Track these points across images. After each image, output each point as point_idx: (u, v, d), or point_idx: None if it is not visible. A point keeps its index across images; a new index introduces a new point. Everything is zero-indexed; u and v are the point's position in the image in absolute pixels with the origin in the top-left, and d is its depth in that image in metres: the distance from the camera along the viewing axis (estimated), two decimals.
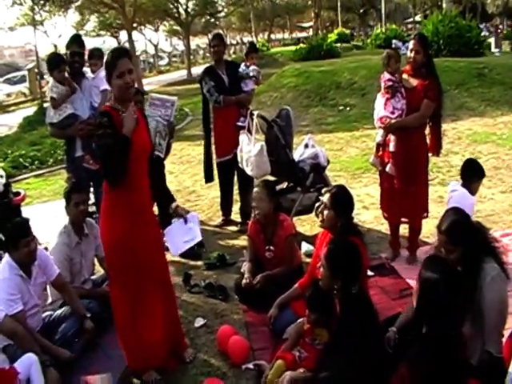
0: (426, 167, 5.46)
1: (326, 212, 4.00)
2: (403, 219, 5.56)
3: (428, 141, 5.38)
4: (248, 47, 7.10)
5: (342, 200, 4.04)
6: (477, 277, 3.28)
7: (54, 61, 5.80)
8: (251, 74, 6.58)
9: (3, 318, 3.72)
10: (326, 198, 4.05)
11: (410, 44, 5.17)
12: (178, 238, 4.07)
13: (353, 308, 3.32)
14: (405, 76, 5.27)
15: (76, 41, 5.96)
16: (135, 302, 3.85)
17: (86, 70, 6.02)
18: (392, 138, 5.27)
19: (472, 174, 5.07)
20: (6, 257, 4.17)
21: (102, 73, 5.88)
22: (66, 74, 5.74)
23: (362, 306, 3.33)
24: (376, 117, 5.41)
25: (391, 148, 5.27)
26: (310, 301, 3.66)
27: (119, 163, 3.54)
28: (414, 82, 5.20)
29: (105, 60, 3.76)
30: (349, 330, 3.22)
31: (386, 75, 5.27)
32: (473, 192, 5.02)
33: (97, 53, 6.12)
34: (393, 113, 5.20)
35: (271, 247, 4.87)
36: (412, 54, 5.14)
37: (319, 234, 4.39)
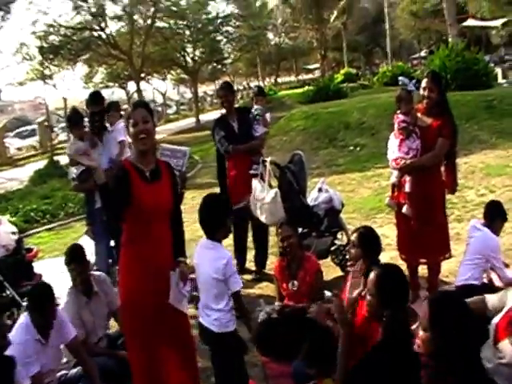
0: (444, 206, 5.40)
1: (353, 251, 3.97)
2: (422, 260, 5.45)
3: (444, 179, 5.32)
4: (255, 91, 7.13)
5: (370, 239, 4.02)
6: None
7: (73, 119, 5.89)
8: (255, 113, 6.54)
9: None
10: (353, 237, 4.07)
11: (424, 82, 5.15)
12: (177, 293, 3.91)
13: (397, 334, 3.14)
14: (419, 115, 5.24)
15: (94, 100, 6.04)
16: (152, 362, 3.74)
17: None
18: (407, 178, 5.21)
19: (496, 215, 4.99)
20: (24, 318, 4.11)
21: (120, 124, 5.97)
22: (87, 129, 5.81)
23: (405, 333, 3.18)
24: (390, 158, 5.35)
25: (407, 189, 5.21)
26: (307, 358, 3.54)
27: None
28: (428, 120, 5.16)
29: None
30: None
31: (400, 116, 5.24)
32: (496, 232, 4.93)
33: (114, 105, 6.21)
34: (407, 153, 5.15)
35: (295, 282, 4.89)
36: (426, 93, 5.11)
37: (347, 277, 4.29)
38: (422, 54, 51.21)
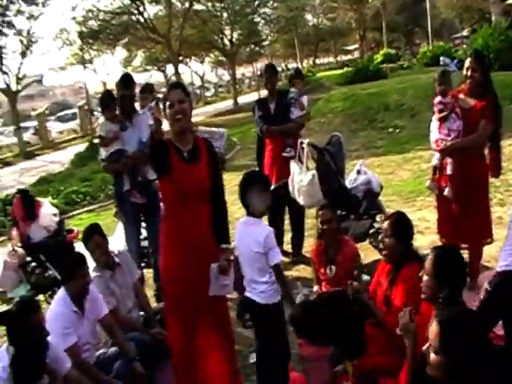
0: (487, 190, 5.26)
1: (386, 240, 3.90)
2: (463, 245, 5.34)
3: (487, 162, 5.19)
4: (292, 73, 7.08)
5: (402, 226, 3.94)
6: None
7: (105, 100, 5.93)
8: (290, 95, 6.45)
9: (69, 368, 3.70)
10: (385, 224, 3.96)
11: (467, 62, 5.03)
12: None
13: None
14: (461, 96, 5.11)
15: (124, 83, 6.06)
16: (192, 337, 3.78)
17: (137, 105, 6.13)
18: (449, 160, 5.10)
19: None
20: (61, 292, 4.20)
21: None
22: (117, 112, 5.85)
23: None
24: (432, 139, 5.25)
25: (448, 171, 5.09)
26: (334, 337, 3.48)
27: None
28: (472, 101, 5.03)
29: None
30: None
31: (437, 98, 5.13)
32: None
33: (147, 88, 6.23)
34: (448, 135, 5.03)
35: (332, 266, 4.85)
36: (469, 73, 4.98)
37: (379, 264, 4.24)
38: (464, 33, 50.04)
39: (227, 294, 4.00)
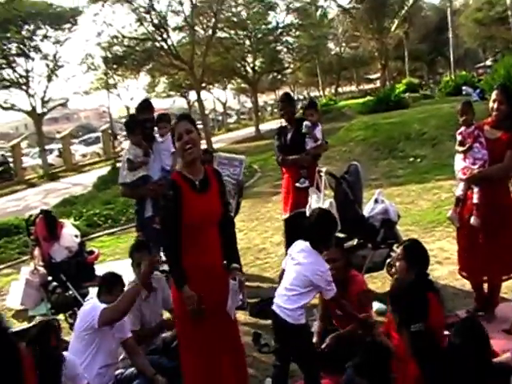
0: None
1: (398, 263, 3.96)
2: (484, 278, 5.32)
3: None
4: (305, 104, 7.11)
5: (415, 251, 4.00)
6: None
7: (131, 125, 6.07)
8: (304, 130, 6.39)
9: None
10: (399, 249, 4.08)
11: (493, 95, 5.08)
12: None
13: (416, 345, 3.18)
14: (487, 127, 5.15)
15: (145, 107, 6.21)
16: (207, 368, 3.81)
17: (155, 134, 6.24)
18: (475, 189, 5.10)
19: None
20: (95, 305, 4.33)
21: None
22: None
23: (426, 344, 3.19)
24: (457, 168, 5.28)
25: (475, 200, 5.09)
26: (359, 366, 3.54)
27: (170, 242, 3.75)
28: (498, 133, 5.06)
29: None
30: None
31: (460, 129, 5.22)
32: None
33: (164, 117, 6.35)
34: (474, 163, 5.06)
35: None
36: (495, 105, 5.03)
37: None
38: (488, 62, 50.03)
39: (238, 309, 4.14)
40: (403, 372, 3.22)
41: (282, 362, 4.21)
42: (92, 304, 4.33)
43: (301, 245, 4.18)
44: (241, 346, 4.14)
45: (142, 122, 6.04)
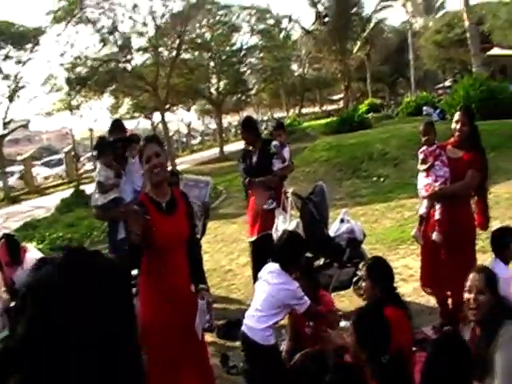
0: (474, 238, 5.34)
1: (364, 284, 4.01)
2: (447, 293, 5.40)
3: (475, 215, 5.30)
4: (273, 125, 7.16)
5: (378, 269, 4.05)
6: (494, 334, 3.24)
7: (101, 147, 6.02)
8: (272, 150, 6.48)
9: None
10: (363, 269, 4.10)
11: (456, 116, 5.23)
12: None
13: (386, 378, 3.18)
14: (449, 147, 5.29)
15: (116, 127, 6.19)
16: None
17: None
18: (437, 206, 5.22)
19: (500, 245, 4.89)
20: None
21: None
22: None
23: (396, 374, 3.21)
24: (419, 186, 5.39)
25: (437, 216, 5.21)
26: None
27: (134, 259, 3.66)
28: (460, 152, 5.21)
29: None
30: None
31: (422, 148, 5.36)
32: (507, 262, 4.87)
33: (135, 138, 6.33)
34: (436, 181, 5.18)
35: (311, 323, 4.77)
36: (458, 126, 5.16)
37: None
38: (447, 83, 51.19)
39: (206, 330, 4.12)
40: None
41: (251, 383, 4.20)
42: None
43: (270, 267, 4.22)
44: (209, 367, 4.13)
45: (112, 143, 6.01)
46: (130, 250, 3.69)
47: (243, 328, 4.11)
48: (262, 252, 6.47)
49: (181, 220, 3.88)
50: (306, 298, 4.05)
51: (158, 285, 3.74)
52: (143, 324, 3.81)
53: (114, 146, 5.99)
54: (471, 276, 3.52)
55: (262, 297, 4.08)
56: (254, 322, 4.03)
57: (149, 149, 3.76)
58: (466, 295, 3.50)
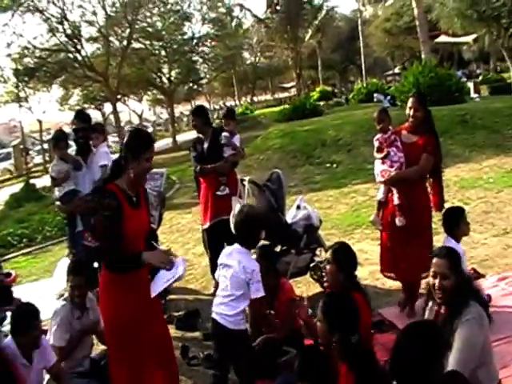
0: (430, 219, 5.46)
1: (328, 267, 4.04)
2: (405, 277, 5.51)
3: (431, 197, 5.42)
4: (224, 113, 7.16)
5: (344, 254, 4.10)
6: (458, 314, 3.34)
7: (55, 139, 5.90)
8: (222, 141, 6.49)
9: None
10: (328, 253, 4.14)
11: (409, 102, 5.31)
12: (160, 281, 3.81)
13: (355, 358, 3.24)
14: (404, 132, 5.38)
15: (79, 117, 6.09)
16: (139, 381, 3.75)
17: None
18: (394, 191, 5.31)
19: (451, 224, 5.06)
20: (8, 343, 4.06)
21: (103, 148, 5.99)
22: (72, 151, 5.82)
23: (363, 355, 3.28)
24: (376, 172, 5.46)
25: (396, 201, 5.28)
26: (301, 369, 3.44)
27: (117, 259, 3.62)
28: (414, 137, 5.30)
29: (132, 141, 3.72)
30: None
31: (377, 135, 5.43)
32: (458, 239, 5.02)
33: (98, 127, 6.22)
34: (392, 166, 5.26)
35: (271, 311, 4.77)
36: (411, 112, 5.25)
37: None
38: (396, 70, 52.00)
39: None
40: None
41: (221, 371, 4.20)
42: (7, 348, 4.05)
43: (228, 249, 4.22)
44: (174, 358, 4.12)
45: (74, 132, 5.90)
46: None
47: (214, 316, 4.10)
48: (216, 238, 6.50)
49: (145, 212, 3.87)
50: (261, 286, 4.02)
51: (121, 278, 3.67)
52: (111, 320, 3.80)
53: (77, 136, 5.88)
54: (434, 261, 3.56)
55: (225, 282, 4.07)
56: (223, 309, 4.02)
57: (153, 151, 3.80)
58: (431, 280, 3.56)
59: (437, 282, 3.50)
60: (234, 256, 4.08)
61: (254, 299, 4.00)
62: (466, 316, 3.31)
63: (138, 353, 3.73)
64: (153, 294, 3.73)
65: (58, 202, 6.02)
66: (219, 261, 4.30)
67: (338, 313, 3.33)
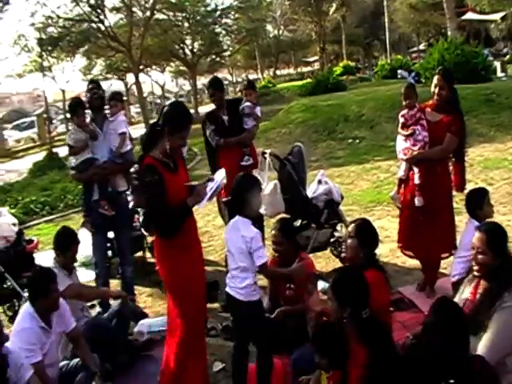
0: (451, 202, 5.40)
1: (349, 241, 4.00)
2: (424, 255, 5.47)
3: (452, 177, 5.34)
4: (244, 85, 7.08)
5: (366, 231, 4.06)
6: (498, 296, 3.29)
7: (73, 106, 5.86)
8: (246, 111, 6.39)
9: (30, 377, 3.62)
10: (350, 227, 4.10)
11: (435, 79, 5.19)
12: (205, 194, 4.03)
13: (367, 332, 3.23)
14: (429, 110, 5.28)
15: (93, 82, 6.12)
16: (194, 346, 4.08)
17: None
18: (416, 170, 5.24)
19: (474, 206, 4.94)
20: (27, 307, 4.09)
21: (121, 116, 5.98)
22: (88, 119, 5.82)
23: (375, 329, 3.27)
24: (398, 149, 5.39)
25: (416, 180, 5.22)
26: (317, 344, 3.49)
27: (175, 223, 3.85)
28: (439, 116, 5.20)
29: (173, 117, 3.90)
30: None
31: (402, 112, 5.34)
32: (481, 221, 4.91)
33: (118, 96, 6.20)
34: (414, 145, 5.20)
35: (292, 285, 4.79)
36: (436, 90, 5.14)
37: None
38: (421, 47, 51.19)
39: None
40: (353, 361, 3.26)
41: (239, 342, 4.22)
42: (26, 312, 4.10)
43: (230, 222, 4.17)
44: None
45: (89, 91, 5.90)
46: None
47: (227, 289, 4.12)
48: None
49: (183, 173, 4.08)
50: (263, 252, 4.00)
51: (184, 237, 3.94)
52: (171, 284, 4.09)
53: (91, 96, 5.86)
54: (476, 234, 3.52)
55: (232, 254, 4.06)
56: (234, 282, 4.03)
57: (189, 130, 3.99)
58: (472, 251, 3.52)
59: (474, 253, 3.47)
60: (234, 227, 4.07)
61: (261, 266, 3.96)
62: (506, 302, 3.25)
63: (201, 305, 4.17)
64: (201, 205, 3.96)
65: (72, 171, 6.02)
66: (224, 235, 4.35)
67: (348, 288, 3.31)
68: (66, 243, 4.82)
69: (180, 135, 3.87)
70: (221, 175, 4.06)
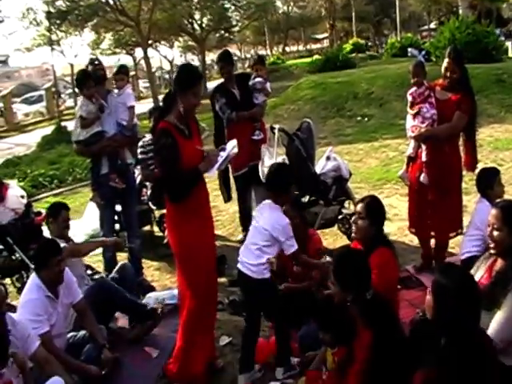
0: (460, 180, 5.35)
1: (360, 222, 3.97)
2: (431, 234, 5.43)
3: (463, 156, 5.29)
4: (255, 59, 7.05)
5: (375, 208, 4.03)
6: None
7: (82, 78, 5.83)
8: (257, 87, 6.44)
9: (37, 347, 3.65)
10: (359, 207, 4.04)
11: (445, 62, 5.10)
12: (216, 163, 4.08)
13: (371, 314, 3.22)
14: (438, 88, 5.21)
15: (93, 59, 6.11)
16: (203, 321, 4.11)
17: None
18: (423, 147, 5.20)
19: (484, 185, 4.87)
20: (33, 277, 4.13)
21: (128, 90, 5.95)
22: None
23: (380, 309, 3.27)
24: (407, 126, 5.36)
25: (423, 158, 5.19)
26: (321, 320, 3.52)
27: (186, 186, 3.88)
28: (448, 94, 5.13)
29: (181, 75, 3.92)
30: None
31: (411, 89, 5.27)
32: (492, 201, 4.87)
33: (124, 70, 6.19)
34: (423, 122, 5.14)
35: None
36: (448, 74, 5.07)
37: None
38: (432, 25, 50.67)
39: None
40: (358, 342, 3.25)
41: (251, 318, 4.24)
42: (33, 283, 4.14)
43: (261, 204, 4.21)
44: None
45: (91, 64, 5.90)
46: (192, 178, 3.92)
47: (238, 265, 4.13)
48: (249, 183, 6.59)
49: (197, 141, 4.08)
50: (294, 240, 4.01)
51: (188, 207, 3.92)
52: (181, 252, 4.08)
53: (94, 69, 5.84)
54: (492, 211, 3.49)
55: (253, 232, 4.08)
56: (247, 258, 4.04)
57: (200, 87, 3.95)
58: (483, 230, 3.50)
59: (489, 230, 3.44)
60: (265, 210, 4.09)
61: (293, 253, 4.02)
62: None
63: (211, 279, 4.19)
64: (211, 172, 3.98)
65: (77, 145, 5.99)
66: (254, 213, 4.41)
67: (350, 272, 3.29)
68: (56, 208, 5.06)
69: (192, 91, 3.83)
70: (232, 145, 4.09)
